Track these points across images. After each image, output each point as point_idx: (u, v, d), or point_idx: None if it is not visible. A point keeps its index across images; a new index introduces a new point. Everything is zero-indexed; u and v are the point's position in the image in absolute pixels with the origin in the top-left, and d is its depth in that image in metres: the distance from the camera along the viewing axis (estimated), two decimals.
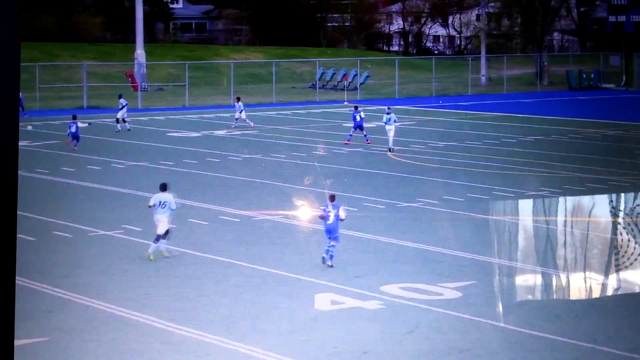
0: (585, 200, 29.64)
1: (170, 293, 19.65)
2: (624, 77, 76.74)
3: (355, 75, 71.11)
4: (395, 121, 40.42)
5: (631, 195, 30.52)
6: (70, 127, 40.06)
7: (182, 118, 54.07)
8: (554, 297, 19.52)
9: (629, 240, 24.05)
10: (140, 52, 68.24)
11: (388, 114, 40.66)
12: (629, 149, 40.93)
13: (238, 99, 48.58)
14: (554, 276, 21.18)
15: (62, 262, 21.81)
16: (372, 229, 25.40)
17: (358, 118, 41.87)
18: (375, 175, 34.59)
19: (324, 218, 21.64)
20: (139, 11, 67.77)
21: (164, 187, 22.75)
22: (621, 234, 25.05)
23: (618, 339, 16.66)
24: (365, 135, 41.93)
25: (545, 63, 79.10)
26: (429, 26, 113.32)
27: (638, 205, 28.32)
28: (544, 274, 21.24)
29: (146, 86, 66.81)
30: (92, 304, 18.76)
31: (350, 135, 42.22)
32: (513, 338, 16.86)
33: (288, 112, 56.27)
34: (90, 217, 26.80)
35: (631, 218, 26.96)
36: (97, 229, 25.33)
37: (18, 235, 4.87)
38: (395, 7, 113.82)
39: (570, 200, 29.45)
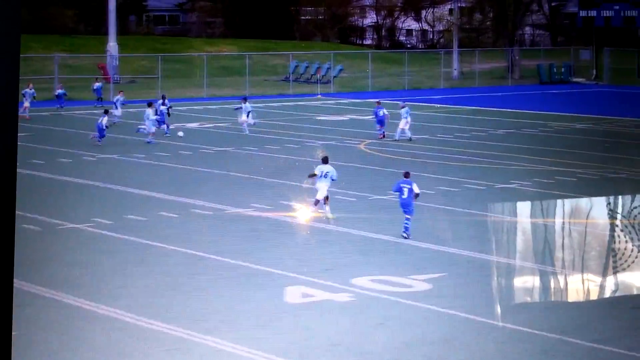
0: (555, 194, 29.73)
1: (140, 287, 19.49)
2: (594, 71, 77.11)
3: (329, 68, 71.04)
4: (407, 113, 41.20)
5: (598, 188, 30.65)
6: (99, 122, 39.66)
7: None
8: (524, 288, 19.52)
9: (600, 237, 24.13)
10: (112, 45, 67.87)
11: (403, 107, 41.61)
12: (598, 142, 41.12)
13: (245, 100, 45.00)
14: (524, 268, 21.19)
15: (31, 256, 21.57)
16: (342, 222, 25.33)
17: (381, 113, 42.05)
18: (348, 168, 34.50)
19: (399, 191, 23.61)
20: (111, 3, 67.36)
21: (325, 160, 26.10)
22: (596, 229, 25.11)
23: (586, 330, 16.68)
24: (380, 129, 42.02)
25: (517, 57, 79.34)
26: (402, 20, 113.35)
27: (610, 204, 28.43)
28: (514, 266, 21.25)
29: (118, 78, 66.44)
30: (62, 297, 18.58)
31: (380, 129, 42.11)
32: (483, 329, 16.84)
33: (261, 104, 56.08)
34: (59, 210, 26.56)
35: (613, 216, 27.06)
36: (67, 222, 25.10)
37: None
38: (369, 1, 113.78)
39: (540, 194, 29.52)
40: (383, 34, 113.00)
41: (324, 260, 21.57)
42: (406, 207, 23.55)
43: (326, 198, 25.46)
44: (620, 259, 21.32)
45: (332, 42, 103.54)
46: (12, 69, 4.41)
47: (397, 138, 40.90)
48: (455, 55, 78.16)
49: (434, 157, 36.61)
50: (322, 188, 25.47)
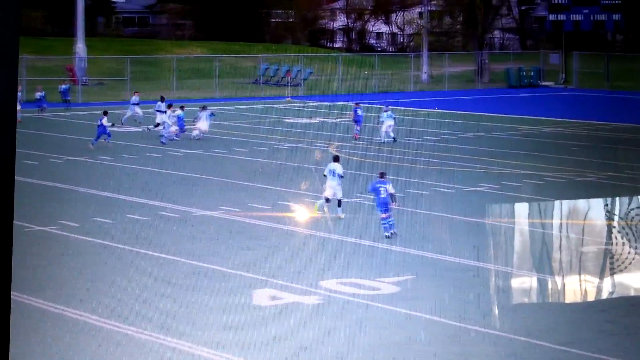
0: (523, 198, 29.90)
1: (108, 290, 19.41)
2: (563, 75, 77.59)
3: (299, 71, 71.07)
4: (393, 117, 42.26)
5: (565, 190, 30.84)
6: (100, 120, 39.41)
7: (122, 113, 53.59)
8: (491, 291, 19.61)
9: (564, 237, 24.27)
10: (80, 46, 67.55)
11: (386, 111, 42.58)
12: (566, 146, 41.38)
13: (204, 108, 44.38)
14: (491, 271, 21.29)
15: None
16: (311, 225, 25.36)
17: (359, 112, 43.59)
18: (318, 171, 34.53)
19: (375, 191, 24.33)
20: (79, 4, 67.02)
21: (336, 159, 27.25)
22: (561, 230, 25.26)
23: (552, 333, 16.78)
24: (357, 129, 43.15)
25: (486, 61, 79.71)
26: (372, 23, 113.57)
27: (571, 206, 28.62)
28: (480, 269, 21.35)
29: (86, 80, 66.14)
30: (27, 300, 18.47)
31: (357, 129, 43.39)
32: (450, 332, 16.91)
33: (230, 107, 56.05)
34: (26, 212, 26.40)
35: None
36: (33, 224, 24.96)
37: None
38: (339, 4, 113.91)
39: (508, 197, 29.66)
40: (353, 37, 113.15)
41: (293, 262, 21.57)
42: (384, 206, 24.17)
43: (339, 201, 26.21)
44: (588, 261, 21.48)
45: (302, 44, 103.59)
46: (10, 72, 4.44)
47: (383, 141, 41.52)
48: (424, 59, 78.40)
49: (403, 160, 36.71)
50: (330, 186, 26.37)
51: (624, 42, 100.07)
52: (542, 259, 22.15)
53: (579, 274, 20.46)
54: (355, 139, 42.57)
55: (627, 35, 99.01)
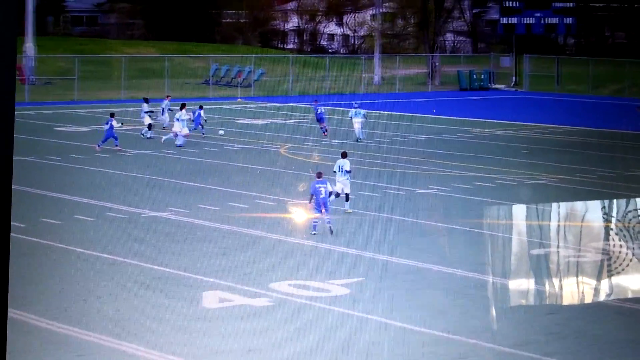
0: (474, 200, 30.07)
1: (54, 291, 19.23)
2: (514, 78, 78.19)
3: (250, 72, 70.95)
4: (363, 115, 43.47)
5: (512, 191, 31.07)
6: (107, 124, 38.84)
7: (71, 112, 53.18)
8: (440, 293, 19.68)
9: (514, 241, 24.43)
10: (29, 45, 66.89)
11: (355, 108, 43.74)
12: (516, 148, 41.70)
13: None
14: (440, 272, 21.38)
15: None
16: (262, 226, 25.32)
17: (319, 111, 44.62)
18: (267, 173, 34.53)
19: (313, 195, 24.65)
20: (29, 3, 66.39)
21: (344, 155, 28.03)
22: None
23: (502, 335, 16.87)
24: (323, 127, 44.15)
25: (437, 63, 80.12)
26: (324, 25, 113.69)
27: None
28: (430, 271, 21.43)
29: (34, 79, 65.53)
30: None
31: (323, 127, 44.36)
32: (399, 334, 16.95)
33: (146, 109, 55.69)
34: None
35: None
36: None
37: None
38: (291, 5, 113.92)
39: (459, 199, 29.83)
40: (305, 38, 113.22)
41: (243, 264, 21.51)
42: (324, 205, 24.59)
43: (347, 195, 27.06)
44: (539, 264, 21.64)
45: (253, 45, 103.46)
46: (8, 73, 4.41)
47: (361, 137, 42.52)
48: (376, 61, 78.64)
49: (354, 162, 36.68)
50: (340, 182, 27.22)
51: (575, 46, 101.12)
52: (493, 262, 22.26)
53: (530, 277, 20.60)
54: (325, 136, 43.49)
55: (578, 39, 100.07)
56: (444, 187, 31.15)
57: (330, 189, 25.16)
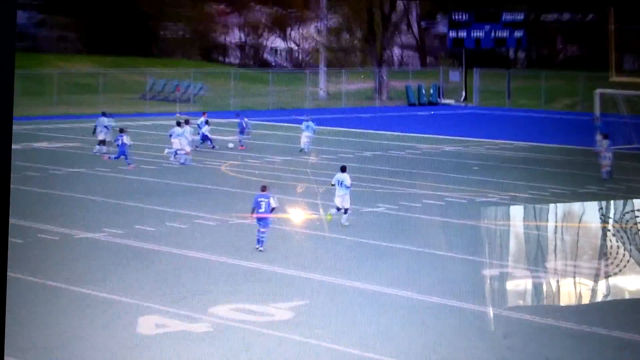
0: (422, 219, 30.02)
1: None
2: (464, 93, 78.65)
3: (189, 86, 70.61)
4: (313, 130, 45.01)
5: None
6: (117, 141, 39.76)
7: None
8: (389, 317, 19.52)
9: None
10: None
11: (306, 121, 45.10)
12: (466, 165, 41.78)
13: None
14: (389, 295, 21.24)
15: None
16: (201, 247, 25.03)
17: (244, 124, 45.83)
18: (209, 192, 34.25)
19: (257, 205, 25.19)
20: None
21: (343, 169, 28.99)
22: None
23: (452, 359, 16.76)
24: (241, 140, 45.33)
25: (385, 78, 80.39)
26: (267, 38, 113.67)
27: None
28: (378, 294, 21.28)
29: None
30: None
31: (241, 141, 45.39)
32: (345, 359, 16.77)
33: (115, 124, 55.25)
34: None
35: None
36: None
37: None
38: (234, 18, 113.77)
39: (407, 218, 29.77)
40: (248, 52, 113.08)
41: (181, 287, 21.20)
42: (262, 220, 24.99)
43: (345, 210, 28.22)
44: (492, 285, 21.59)
45: (193, 59, 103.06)
46: (6, 78, 4.42)
47: (306, 150, 44.07)
48: (322, 75, 78.71)
49: (298, 180, 36.57)
50: (339, 196, 28.32)
51: (526, 59, 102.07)
52: (444, 283, 22.17)
53: (483, 299, 20.54)
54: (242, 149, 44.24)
55: (528, 52, 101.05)
56: (392, 206, 31.08)
57: (273, 204, 25.26)
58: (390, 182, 36.07)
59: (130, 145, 40.25)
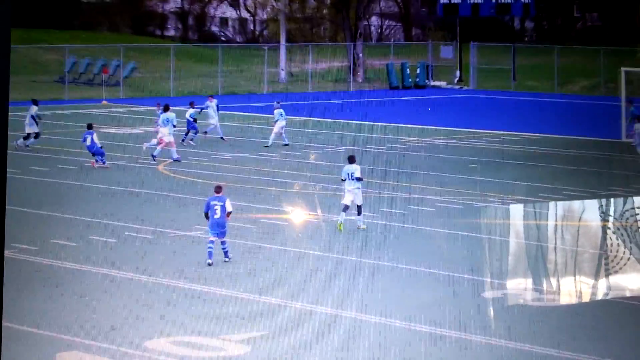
0: (411, 230, 30.21)
1: None
2: (458, 73, 79.02)
3: (118, 66, 70.58)
4: (284, 117, 46.15)
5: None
6: (84, 141, 40.24)
7: None
8: (362, 348, 19.68)
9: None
10: None
11: (277, 108, 46.26)
12: (462, 162, 42.03)
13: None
14: (364, 323, 21.40)
15: None
16: (134, 266, 25.10)
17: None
18: (143, 197, 34.30)
19: (208, 216, 25.51)
20: None
21: (352, 159, 29.79)
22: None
23: None
24: (195, 134, 46.20)
25: (360, 55, 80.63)
26: (214, 6, 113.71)
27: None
28: (352, 320, 21.42)
29: None
30: None
31: (195, 134, 46.34)
32: None
33: (27, 113, 55.15)
34: None
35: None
36: None
37: None
38: None
39: (387, 227, 29.95)
40: (190, 23, 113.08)
41: (109, 316, 21.28)
42: (218, 227, 25.26)
43: (359, 208, 29.13)
44: (485, 310, 21.83)
45: (123, 32, 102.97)
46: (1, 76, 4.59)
47: (269, 144, 45.02)
48: (282, 52, 78.86)
49: (254, 181, 36.69)
50: (349, 191, 29.25)
51: (535, 31, 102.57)
52: (432, 309, 22.36)
53: (487, 330, 20.75)
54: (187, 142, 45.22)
55: (538, 22, 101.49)
56: (370, 213, 31.24)
57: (229, 208, 25.53)
58: (367, 185, 36.18)
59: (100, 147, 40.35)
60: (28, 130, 44.13)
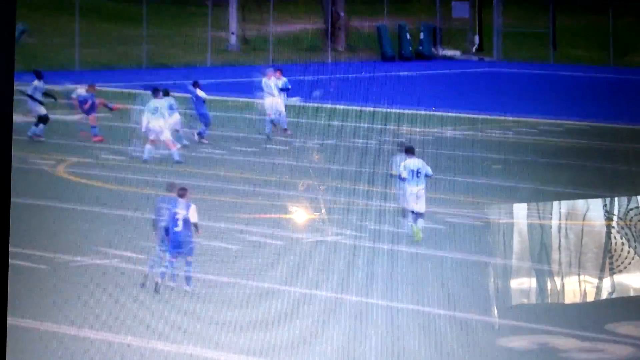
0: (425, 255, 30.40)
1: None
2: (477, 39, 79.40)
3: None
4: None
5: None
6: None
7: None
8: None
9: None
10: None
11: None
12: (482, 161, 42.17)
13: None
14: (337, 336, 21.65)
15: None
16: (21, 304, 25.16)
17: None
18: (30, 210, 34.30)
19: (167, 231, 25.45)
20: None
21: (411, 150, 31.28)
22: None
23: None
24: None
25: (342, 13, 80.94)
26: None
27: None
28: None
29: None
30: None
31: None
32: None
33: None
34: None
35: None
36: None
37: None
38: None
39: (380, 252, 30.10)
40: None
41: None
42: (179, 246, 25.42)
43: (420, 215, 30.41)
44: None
45: None
46: (6, 77, 4.78)
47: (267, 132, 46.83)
48: (232, 11, 79.10)
49: (205, 190, 36.74)
50: (413, 193, 30.64)
51: None
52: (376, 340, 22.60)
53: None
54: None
55: None
56: (358, 233, 31.39)
57: (194, 218, 25.63)
58: (353, 192, 36.33)
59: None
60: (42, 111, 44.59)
